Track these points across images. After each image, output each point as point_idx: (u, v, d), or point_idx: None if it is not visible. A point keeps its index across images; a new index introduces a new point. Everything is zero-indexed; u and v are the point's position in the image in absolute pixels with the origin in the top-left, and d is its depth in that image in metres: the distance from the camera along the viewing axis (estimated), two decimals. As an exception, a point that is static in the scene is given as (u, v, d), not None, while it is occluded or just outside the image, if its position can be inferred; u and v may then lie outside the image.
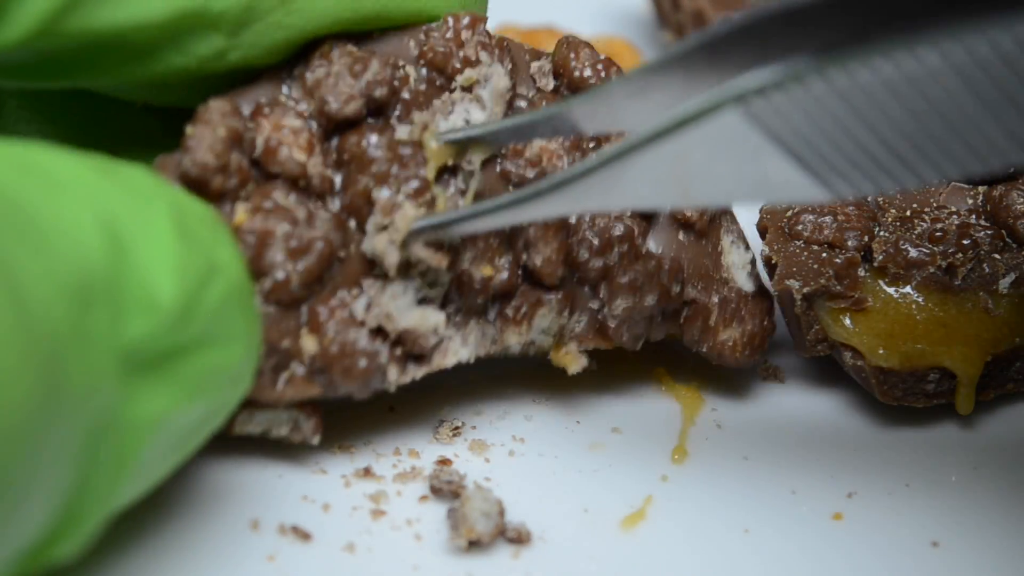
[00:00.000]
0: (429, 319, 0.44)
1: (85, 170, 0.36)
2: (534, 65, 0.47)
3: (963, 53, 0.32)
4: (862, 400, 0.49)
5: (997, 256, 0.47)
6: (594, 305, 0.46)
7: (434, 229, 0.42)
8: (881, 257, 0.46)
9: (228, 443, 0.45)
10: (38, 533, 0.33)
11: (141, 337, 0.35)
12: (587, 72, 0.46)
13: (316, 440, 0.44)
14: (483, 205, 0.42)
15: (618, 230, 0.46)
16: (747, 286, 0.48)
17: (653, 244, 0.47)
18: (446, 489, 0.44)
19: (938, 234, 0.47)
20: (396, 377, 0.44)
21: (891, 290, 0.47)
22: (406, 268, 0.44)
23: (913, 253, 0.46)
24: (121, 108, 0.47)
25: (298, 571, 0.42)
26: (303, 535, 0.43)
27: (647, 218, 0.47)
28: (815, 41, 0.34)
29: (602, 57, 0.47)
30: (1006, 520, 0.44)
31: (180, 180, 0.42)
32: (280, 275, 0.42)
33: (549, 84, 0.47)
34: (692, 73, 0.37)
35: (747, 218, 0.49)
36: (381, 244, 0.43)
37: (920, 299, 0.46)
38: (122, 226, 0.35)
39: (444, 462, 0.46)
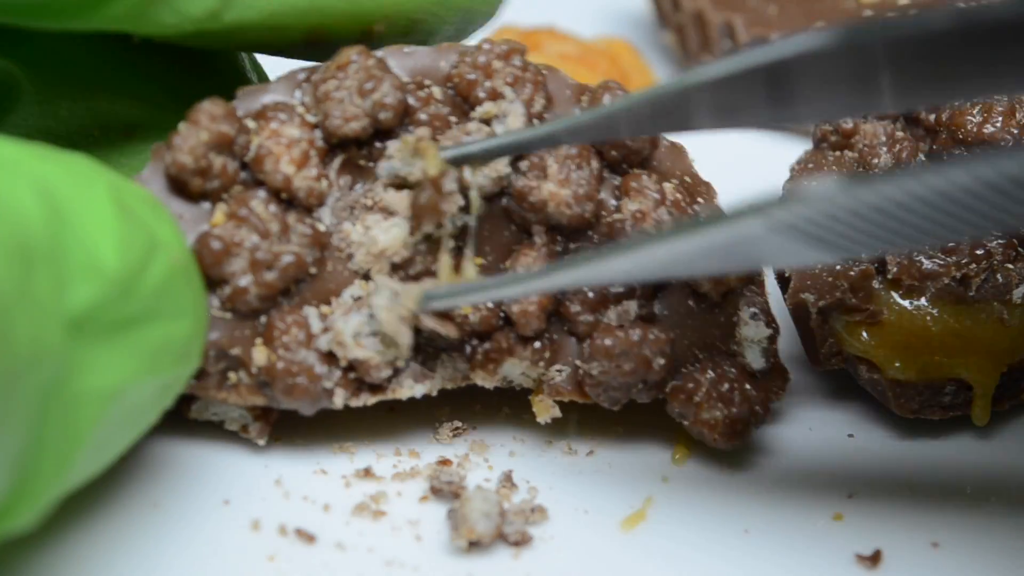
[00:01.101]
0: (387, 351, 0.43)
1: (24, 152, 0.36)
2: (582, 103, 0.46)
3: (992, 173, 0.32)
4: (865, 406, 0.49)
5: (1010, 266, 0.46)
6: (577, 360, 0.45)
7: (444, 299, 0.42)
8: (895, 269, 0.46)
9: (229, 444, 0.45)
10: None
11: (88, 302, 0.35)
12: None
13: (262, 442, 0.45)
14: (496, 280, 0.41)
15: (616, 288, 0.44)
16: (757, 363, 0.45)
17: (659, 308, 0.45)
18: (446, 489, 0.44)
19: (951, 245, 0.46)
20: (345, 400, 0.43)
21: (905, 302, 0.46)
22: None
23: (927, 264, 0.46)
24: (135, 101, 0.47)
25: (298, 571, 0.42)
26: (303, 536, 0.43)
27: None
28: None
29: None
30: (1006, 521, 0.44)
31: (164, 174, 0.43)
32: (240, 284, 0.42)
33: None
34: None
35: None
36: (391, 323, 0.42)
37: (935, 311, 0.46)
38: (61, 198, 0.36)
39: (444, 462, 0.46)
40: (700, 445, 0.47)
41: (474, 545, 0.43)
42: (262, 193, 0.43)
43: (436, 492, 0.44)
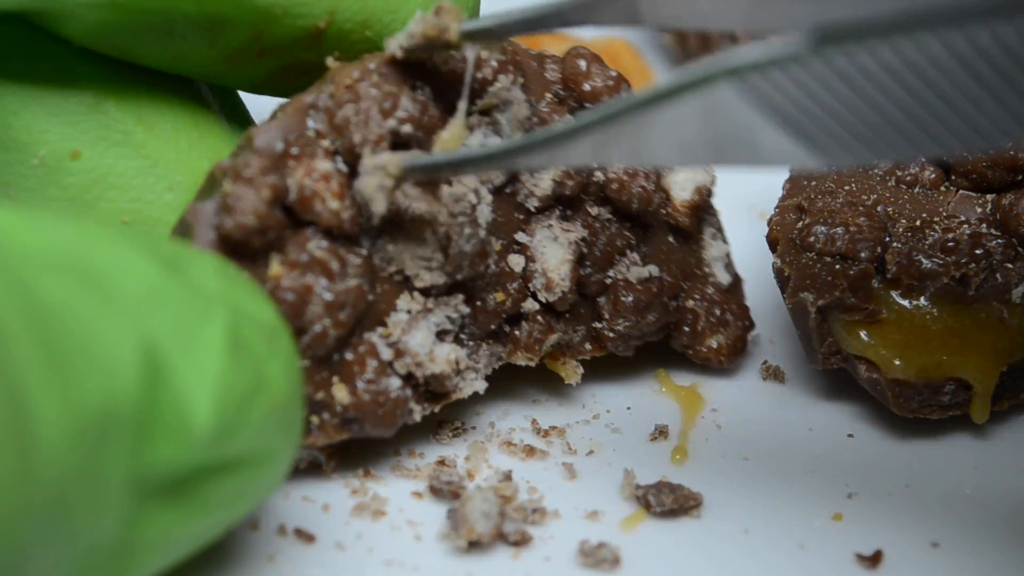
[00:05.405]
0: (451, 356, 0.44)
1: (145, 274, 0.34)
2: (548, 70, 0.46)
3: (964, 41, 0.31)
4: (865, 406, 0.49)
5: (1009, 265, 0.46)
6: (596, 322, 0.47)
7: (425, 170, 0.41)
8: (894, 268, 0.46)
9: (228, 443, 0.45)
10: None
11: (166, 463, 0.33)
12: (598, 85, 0.45)
13: (333, 474, 0.45)
14: (473, 151, 0.41)
15: (619, 242, 0.46)
16: (724, 279, 0.48)
17: (647, 250, 0.47)
18: (446, 489, 0.44)
19: (950, 244, 0.46)
20: (421, 414, 0.44)
21: (905, 302, 0.46)
22: (431, 299, 0.43)
23: (926, 264, 0.46)
24: (77, 129, 0.45)
25: (298, 571, 0.42)
26: (303, 536, 0.43)
27: (643, 226, 0.47)
28: (813, 14, 0.34)
29: (613, 73, 0.46)
30: (1006, 521, 0.44)
31: (218, 238, 0.41)
32: (318, 329, 0.41)
33: (559, 93, 0.46)
34: None
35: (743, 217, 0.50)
36: (370, 188, 0.41)
37: (934, 310, 0.46)
38: (167, 346, 0.33)
39: (444, 463, 0.46)
40: (700, 445, 0.47)
41: (474, 545, 0.43)
42: (311, 233, 0.41)
43: (436, 492, 0.44)
